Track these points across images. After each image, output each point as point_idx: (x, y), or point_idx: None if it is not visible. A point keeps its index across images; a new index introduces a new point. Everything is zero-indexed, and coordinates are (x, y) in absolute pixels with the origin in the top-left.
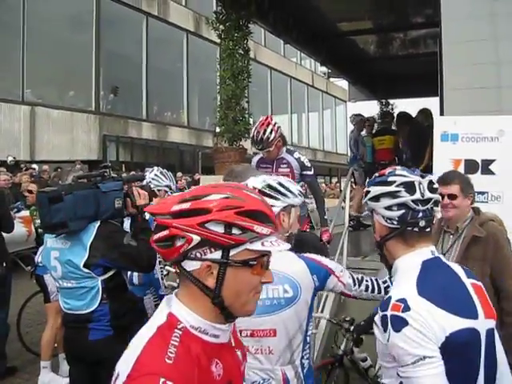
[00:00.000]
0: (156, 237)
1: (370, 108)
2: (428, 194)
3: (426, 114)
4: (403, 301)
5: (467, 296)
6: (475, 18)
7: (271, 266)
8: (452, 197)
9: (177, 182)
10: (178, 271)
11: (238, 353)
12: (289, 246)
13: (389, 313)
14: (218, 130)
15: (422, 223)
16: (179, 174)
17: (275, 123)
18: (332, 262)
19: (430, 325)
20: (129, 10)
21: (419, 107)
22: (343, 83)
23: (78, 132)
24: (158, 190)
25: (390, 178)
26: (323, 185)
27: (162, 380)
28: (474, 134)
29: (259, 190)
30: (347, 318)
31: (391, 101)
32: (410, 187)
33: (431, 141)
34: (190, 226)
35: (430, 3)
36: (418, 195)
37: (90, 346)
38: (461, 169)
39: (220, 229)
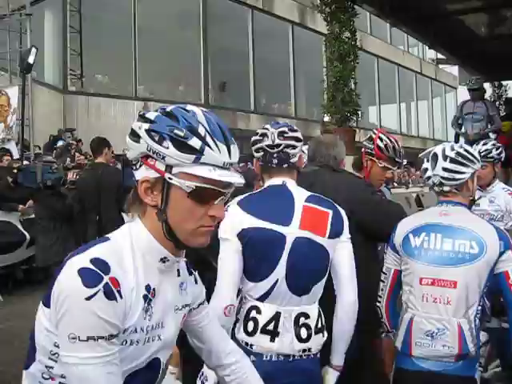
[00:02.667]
0: None
1: None
2: (277, 141)
3: None
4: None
5: (288, 211)
6: None
7: (468, 223)
8: None
9: None
10: None
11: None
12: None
13: None
14: (326, 118)
15: (275, 161)
16: None
17: None
18: None
19: (233, 221)
20: (234, 4)
21: None
22: (453, 69)
23: None
24: None
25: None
26: None
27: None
28: None
29: (451, 159)
30: None
31: (504, 82)
32: (263, 135)
33: None
34: None
35: None
36: (269, 142)
37: None
38: None
39: None
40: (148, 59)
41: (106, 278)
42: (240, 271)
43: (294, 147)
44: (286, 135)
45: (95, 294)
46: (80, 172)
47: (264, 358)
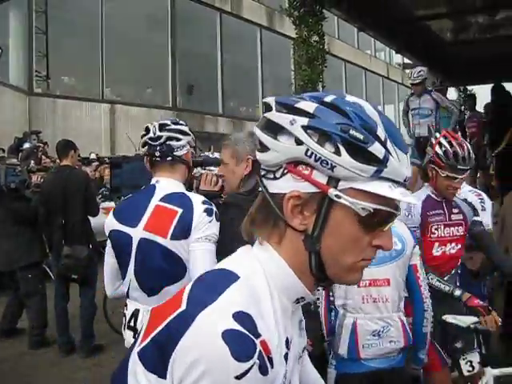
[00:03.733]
0: None
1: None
2: (158, 133)
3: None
4: None
5: (140, 212)
6: None
7: None
8: None
9: None
10: None
11: None
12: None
13: None
14: None
15: (157, 154)
16: None
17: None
18: None
19: (106, 223)
20: (202, 7)
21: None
22: None
23: None
24: None
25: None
26: None
27: None
28: None
29: None
30: None
31: (469, 87)
32: (147, 129)
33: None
34: None
35: None
36: (150, 134)
37: None
38: None
39: None
40: (115, 61)
41: (258, 345)
42: (114, 266)
43: (178, 139)
44: (167, 127)
45: (249, 369)
46: (45, 175)
47: None
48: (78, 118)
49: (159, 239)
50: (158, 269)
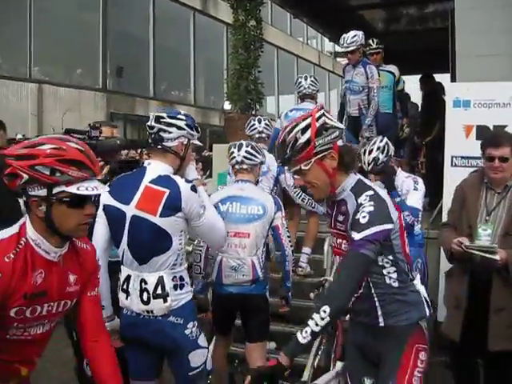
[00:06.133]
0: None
1: None
2: (153, 124)
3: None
4: None
5: (132, 191)
6: None
7: (254, 194)
8: (503, 159)
9: None
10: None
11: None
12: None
13: None
14: (226, 106)
15: (150, 140)
16: None
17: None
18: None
19: (101, 198)
20: None
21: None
22: None
23: (86, 110)
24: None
25: None
26: None
27: None
28: (486, 100)
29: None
30: None
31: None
32: (150, 118)
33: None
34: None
35: None
36: (148, 123)
37: None
38: (473, 135)
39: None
40: (44, 40)
41: None
42: (106, 236)
43: (169, 132)
44: (162, 120)
45: None
46: None
47: (124, 312)
48: (4, 98)
49: (149, 217)
50: (148, 242)
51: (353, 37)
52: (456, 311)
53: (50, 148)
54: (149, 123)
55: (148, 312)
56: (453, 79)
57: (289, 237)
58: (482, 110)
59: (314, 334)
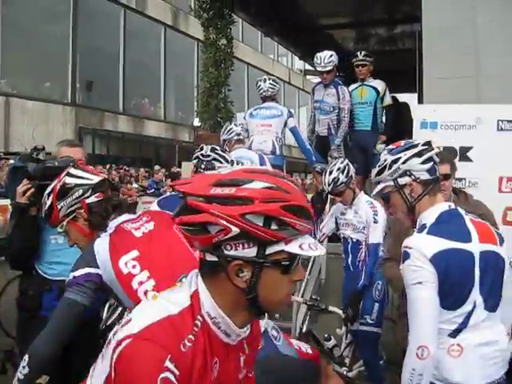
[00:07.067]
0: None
1: None
2: (208, 153)
3: (404, 107)
4: None
5: None
6: (456, 8)
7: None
8: (446, 177)
9: (153, 175)
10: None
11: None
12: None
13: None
14: (196, 123)
15: (203, 166)
16: (156, 167)
17: None
18: None
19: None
20: (106, 2)
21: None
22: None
23: (54, 124)
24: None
25: None
26: (299, 180)
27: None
28: (452, 122)
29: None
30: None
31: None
32: (201, 148)
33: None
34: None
35: None
36: (203, 152)
37: None
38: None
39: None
40: (12, 52)
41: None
42: None
43: (220, 162)
44: (216, 151)
45: None
46: None
47: None
48: None
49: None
50: None
51: (330, 57)
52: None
53: (265, 187)
54: (203, 152)
55: None
56: (420, 101)
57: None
58: (449, 131)
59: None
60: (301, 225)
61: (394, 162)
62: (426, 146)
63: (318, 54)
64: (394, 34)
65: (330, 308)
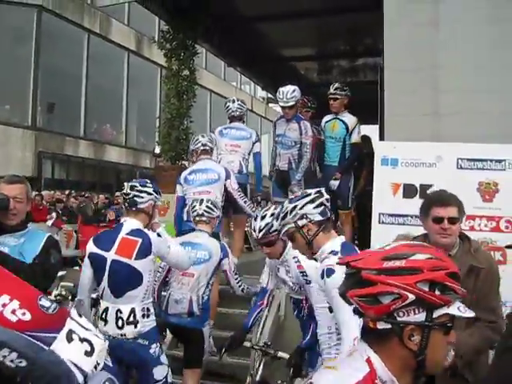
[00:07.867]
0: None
1: None
2: (128, 191)
3: (365, 140)
4: None
5: (112, 241)
6: (416, 47)
7: (205, 241)
8: (453, 220)
9: (114, 202)
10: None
11: None
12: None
13: None
14: (157, 150)
15: (126, 204)
16: (117, 193)
17: None
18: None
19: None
20: (70, 25)
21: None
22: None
23: (13, 147)
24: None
25: None
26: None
27: None
28: (412, 160)
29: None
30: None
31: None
32: (124, 187)
33: (368, 166)
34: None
35: (372, 33)
36: (123, 191)
37: None
38: (400, 193)
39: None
40: None
41: None
42: (90, 277)
43: (141, 197)
44: (135, 188)
45: None
46: None
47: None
48: None
49: (126, 260)
50: (124, 280)
51: (292, 92)
52: None
53: (428, 258)
54: (124, 191)
55: (122, 335)
56: (381, 137)
57: (236, 278)
58: (410, 168)
59: None
60: (459, 289)
61: (293, 208)
62: (318, 194)
63: (281, 89)
64: (356, 65)
65: (279, 354)
